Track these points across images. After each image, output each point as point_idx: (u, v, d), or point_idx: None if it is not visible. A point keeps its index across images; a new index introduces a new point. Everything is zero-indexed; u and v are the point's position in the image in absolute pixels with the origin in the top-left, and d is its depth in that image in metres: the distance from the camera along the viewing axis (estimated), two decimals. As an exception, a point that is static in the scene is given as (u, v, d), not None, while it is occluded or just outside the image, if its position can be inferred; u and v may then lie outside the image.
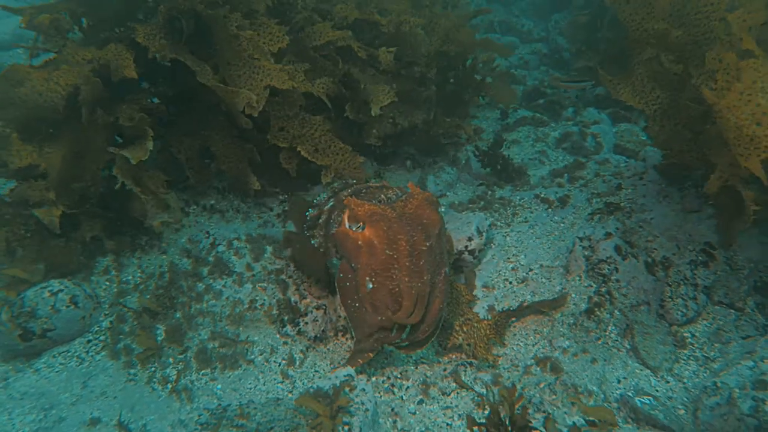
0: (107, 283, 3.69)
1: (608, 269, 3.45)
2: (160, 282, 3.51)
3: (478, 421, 2.18)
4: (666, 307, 3.21)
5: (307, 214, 3.36)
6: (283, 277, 3.38)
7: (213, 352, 3.04)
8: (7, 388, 2.90)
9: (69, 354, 3.13)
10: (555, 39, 7.43)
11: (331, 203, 3.22)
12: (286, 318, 3.15)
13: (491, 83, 5.28)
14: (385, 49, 4.12)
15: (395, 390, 2.91)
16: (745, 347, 2.88)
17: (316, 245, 3.11)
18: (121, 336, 3.19)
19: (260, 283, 3.34)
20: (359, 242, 2.74)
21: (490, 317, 3.25)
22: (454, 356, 3.12)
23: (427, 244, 2.79)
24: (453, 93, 5.05)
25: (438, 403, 2.85)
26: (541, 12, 8.00)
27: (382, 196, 3.15)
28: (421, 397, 2.88)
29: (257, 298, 3.29)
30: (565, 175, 4.57)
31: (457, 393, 2.89)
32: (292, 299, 3.24)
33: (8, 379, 2.96)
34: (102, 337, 3.24)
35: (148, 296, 3.38)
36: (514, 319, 3.29)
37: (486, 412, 2.71)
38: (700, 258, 3.43)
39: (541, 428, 2.22)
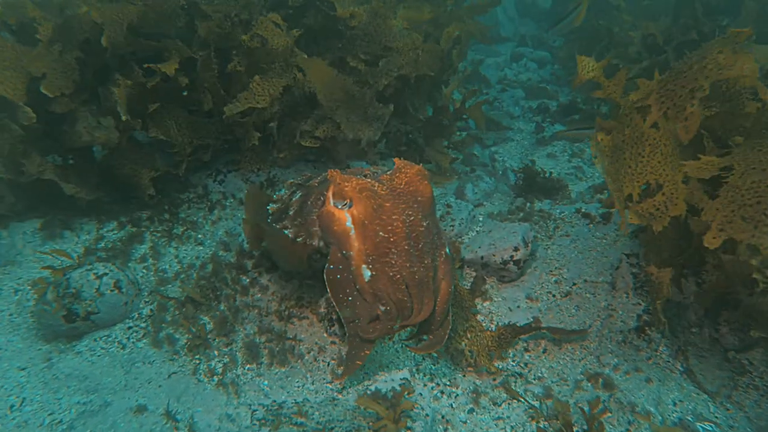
0: (144, 270, 3.64)
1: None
2: (203, 273, 3.45)
3: (544, 428, 2.11)
4: (721, 332, 3.15)
5: (268, 208, 3.08)
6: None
7: (259, 347, 2.98)
8: (51, 368, 2.83)
9: (110, 339, 3.07)
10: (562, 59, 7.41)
11: (299, 194, 2.95)
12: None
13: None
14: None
15: (445, 397, 2.85)
16: (807, 377, 2.82)
17: (291, 235, 2.75)
18: (163, 325, 3.12)
19: (307, 280, 3.28)
20: (347, 223, 2.44)
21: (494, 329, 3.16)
22: (498, 363, 3.06)
23: (425, 224, 2.52)
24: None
25: (490, 413, 2.78)
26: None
27: (366, 173, 2.83)
28: (471, 406, 2.81)
29: (304, 295, 3.23)
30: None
31: (508, 403, 2.82)
32: (340, 298, 3.17)
33: (51, 359, 2.89)
34: (143, 325, 3.18)
35: (190, 286, 3.31)
36: (521, 336, 3.19)
37: (541, 424, 2.65)
38: (750, 283, 3.37)
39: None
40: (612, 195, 2.96)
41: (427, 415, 2.39)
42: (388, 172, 2.63)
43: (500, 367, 3.06)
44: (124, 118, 3.45)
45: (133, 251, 3.76)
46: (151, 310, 3.26)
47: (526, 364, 3.13)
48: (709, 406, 2.81)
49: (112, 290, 3.06)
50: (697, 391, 2.90)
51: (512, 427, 2.71)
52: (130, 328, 3.15)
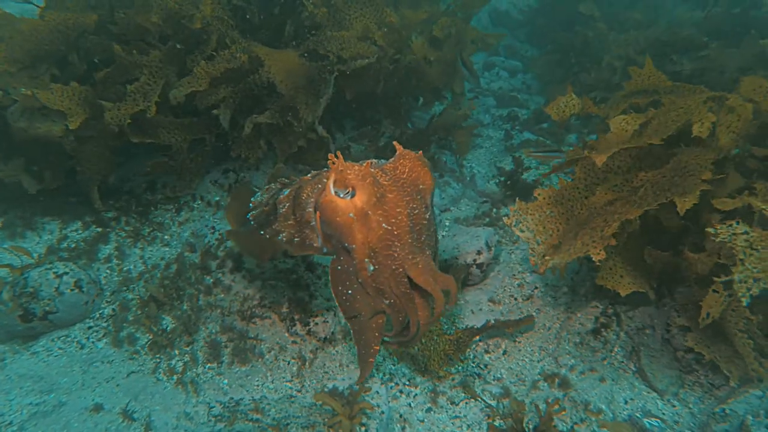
0: (108, 271, 3.62)
1: (614, 291, 3.49)
2: (167, 273, 3.45)
3: (497, 426, 2.17)
4: (672, 332, 3.25)
5: (248, 216, 2.88)
6: (294, 276, 3.35)
7: (221, 346, 2.98)
8: (4, 369, 2.80)
9: (69, 339, 3.04)
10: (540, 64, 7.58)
11: (285, 191, 2.71)
12: (296, 317, 3.11)
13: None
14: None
15: (403, 396, 2.89)
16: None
17: (285, 239, 2.49)
18: (124, 324, 3.11)
19: (270, 281, 3.30)
20: (350, 213, 2.26)
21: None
22: (460, 366, 3.12)
23: (427, 216, 2.39)
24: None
25: (447, 412, 2.83)
26: (544, 40, 8.17)
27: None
28: (429, 405, 2.86)
29: (267, 295, 3.25)
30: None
31: (466, 403, 2.88)
32: (303, 299, 3.20)
33: (5, 360, 2.86)
34: (104, 324, 3.16)
35: (154, 285, 3.31)
36: (478, 337, 3.25)
37: (496, 422, 2.71)
38: (703, 287, 3.49)
39: (563, 440, 2.22)
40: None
41: (382, 412, 2.43)
42: (390, 161, 2.48)
43: (460, 368, 3.11)
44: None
45: (97, 251, 3.74)
46: (113, 309, 3.24)
47: (485, 366, 3.19)
48: (657, 404, 2.90)
49: (72, 289, 3.04)
50: (648, 390, 2.99)
51: (468, 425, 2.76)
52: (90, 327, 3.13)
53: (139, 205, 4.16)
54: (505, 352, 3.28)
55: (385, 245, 2.25)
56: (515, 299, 3.65)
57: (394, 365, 3.07)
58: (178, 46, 3.77)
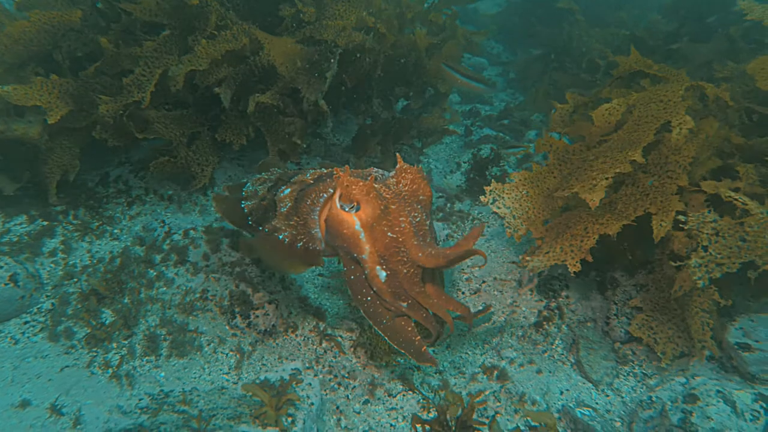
0: (52, 265, 3.57)
1: (559, 285, 3.55)
2: (110, 266, 3.41)
3: (423, 418, 2.19)
4: (611, 325, 3.31)
5: (242, 205, 2.94)
6: (238, 269, 3.34)
7: (159, 339, 2.97)
8: (-70, 364, 2.75)
9: (2, 334, 3.00)
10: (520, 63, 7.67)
11: (287, 189, 2.76)
12: (237, 310, 3.11)
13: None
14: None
15: (341, 389, 2.90)
16: (680, 365, 3.00)
17: (287, 240, 2.56)
18: (63, 318, 3.08)
19: (214, 274, 3.29)
20: (356, 227, 2.40)
21: None
22: (401, 358, 3.14)
23: (428, 222, 2.55)
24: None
25: (384, 404, 2.85)
26: (511, 37, 8.24)
27: (372, 172, 2.78)
28: (367, 397, 2.88)
29: (209, 288, 3.24)
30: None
31: (404, 395, 2.90)
32: (246, 291, 3.20)
33: (-69, 355, 2.82)
34: (41, 319, 3.12)
35: (97, 279, 3.27)
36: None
37: (431, 414, 2.74)
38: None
39: (486, 430, 2.25)
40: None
41: (312, 404, 2.44)
42: (391, 174, 2.62)
43: (401, 361, 3.13)
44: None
45: (42, 245, 3.69)
46: (53, 304, 3.21)
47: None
48: (592, 394, 2.96)
49: (6, 284, 3.00)
50: (584, 381, 3.04)
51: (404, 416, 2.79)
52: (26, 323, 3.09)
53: (89, 198, 4.11)
54: (448, 346, 3.31)
55: (393, 252, 2.38)
56: (463, 293, 3.68)
57: (335, 358, 3.08)
58: (173, 32, 3.75)
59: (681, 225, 2.89)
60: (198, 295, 3.20)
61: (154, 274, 3.30)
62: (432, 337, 2.46)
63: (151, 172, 4.00)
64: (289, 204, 2.65)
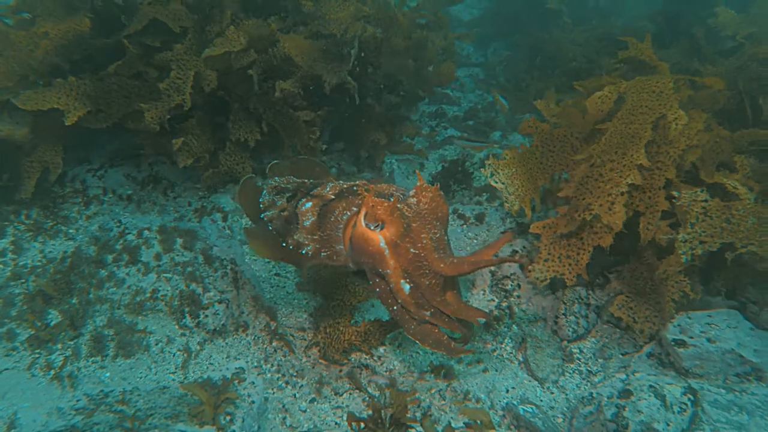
0: (1, 266, 3.53)
1: (511, 285, 3.61)
2: (60, 267, 3.38)
3: (358, 416, 2.22)
4: (559, 324, 3.38)
5: (262, 216, 3.04)
6: (190, 269, 3.34)
7: (106, 339, 2.95)
8: None
9: (-58, 337, 2.96)
10: (492, 65, 7.75)
11: (309, 203, 2.87)
12: (186, 309, 3.11)
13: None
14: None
15: (289, 387, 2.92)
16: (623, 362, 3.07)
17: (311, 253, 2.71)
18: (5, 320, 3.04)
19: (165, 274, 3.28)
20: (381, 244, 2.56)
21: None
22: (353, 357, 3.17)
23: (446, 238, 2.72)
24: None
25: (330, 402, 2.87)
26: (482, 39, 8.31)
27: (393, 192, 2.91)
28: (314, 395, 2.90)
29: (160, 288, 3.22)
30: (485, 194, 4.74)
31: (350, 393, 2.92)
32: (196, 291, 3.20)
33: None
34: (-16, 321, 3.08)
35: (45, 280, 3.25)
36: (389, 333, 3.30)
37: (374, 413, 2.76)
38: (597, 280, 3.63)
39: (419, 426, 2.29)
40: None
41: (253, 402, 2.45)
42: (411, 192, 2.77)
43: (352, 360, 3.16)
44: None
45: (-9, 246, 3.65)
46: (-3, 305, 3.17)
47: (379, 357, 3.25)
48: (537, 391, 3.01)
49: (-50, 283, 2.97)
50: (529, 379, 3.10)
51: (350, 414, 2.81)
52: (-30, 324, 3.05)
53: (44, 198, 4.07)
54: (400, 345, 3.34)
55: (416, 266, 2.55)
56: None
57: (284, 357, 3.10)
58: (195, 33, 3.82)
59: (673, 200, 3.05)
60: (148, 295, 3.19)
61: (105, 274, 3.28)
62: (461, 338, 2.67)
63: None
64: (312, 218, 2.78)
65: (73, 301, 3.15)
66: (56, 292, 3.16)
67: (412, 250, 2.55)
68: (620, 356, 3.18)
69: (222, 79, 3.95)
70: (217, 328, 3.11)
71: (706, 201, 2.95)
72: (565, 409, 2.91)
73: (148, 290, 3.21)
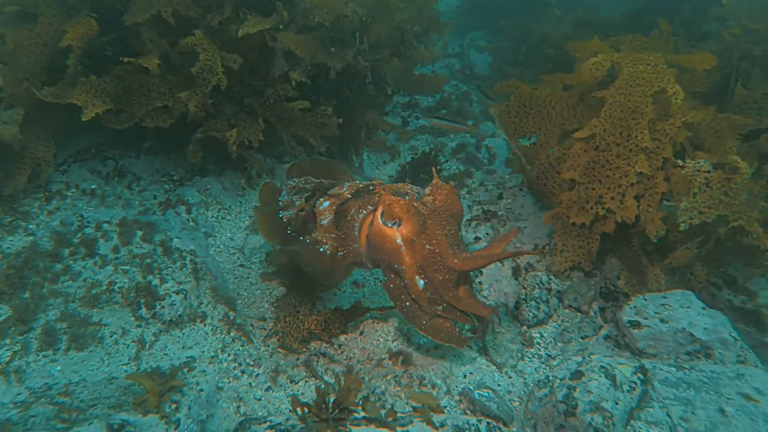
0: (-46, 262, 3.48)
1: (473, 272, 3.60)
2: (15, 262, 3.34)
3: (301, 401, 2.21)
4: (520, 309, 3.38)
5: (280, 215, 3.10)
6: (148, 261, 3.31)
7: (59, 333, 2.92)
8: None
9: None
10: (468, 55, 7.74)
11: (326, 202, 2.95)
12: (142, 301, 3.08)
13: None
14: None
15: (245, 376, 2.90)
16: (581, 345, 3.08)
17: (329, 251, 2.82)
18: (-45, 316, 3.00)
19: (123, 266, 3.25)
20: (398, 240, 2.64)
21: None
22: (312, 345, 3.15)
23: (460, 234, 2.80)
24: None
25: (285, 390, 2.86)
26: (458, 29, 8.31)
27: (408, 191, 2.96)
28: (269, 384, 2.88)
29: (117, 280, 3.19)
30: (454, 183, 4.73)
31: (306, 381, 2.91)
32: (153, 282, 3.17)
33: None
34: (-69, 318, 3.03)
35: (-2, 275, 3.20)
36: (350, 321, 3.29)
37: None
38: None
39: (360, 410, 2.28)
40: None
41: (201, 389, 2.43)
42: (427, 190, 2.82)
43: (311, 348, 3.15)
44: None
45: (-56, 242, 3.59)
46: (-52, 301, 3.12)
47: (339, 346, 3.23)
48: (495, 376, 3.01)
49: None
50: (488, 364, 3.09)
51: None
52: None
53: (2, 193, 4.01)
54: (362, 333, 3.33)
55: (431, 262, 2.61)
56: (380, 281, 3.71)
57: (242, 347, 3.08)
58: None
59: (679, 167, 3.10)
60: (104, 288, 3.16)
61: (61, 267, 3.24)
62: (473, 330, 2.79)
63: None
64: (330, 217, 2.86)
65: (26, 295, 3.10)
66: (8, 287, 3.12)
67: (427, 246, 2.60)
68: (580, 340, 3.19)
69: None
70: (174, 319, 3.08)
71: (708, 172, 3.00)
72: (522, 392, 2.91)
73: (104, 283, 3.18)
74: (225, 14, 3.87)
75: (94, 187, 4.30)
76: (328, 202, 2.93)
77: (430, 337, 2.68)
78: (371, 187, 2.93)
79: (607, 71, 3.51)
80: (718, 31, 5.05)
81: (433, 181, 2.85)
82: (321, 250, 2.81)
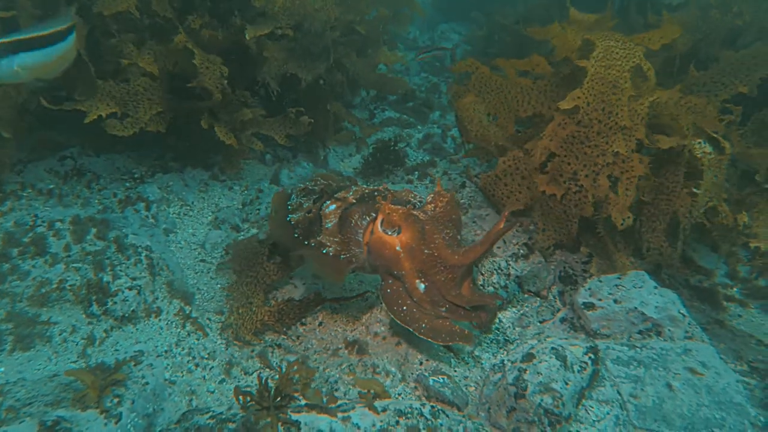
0: None
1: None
2: (-40, 262, 3.27)
3: (243, 390, 2.17)
4: (478, 295, 3.36)
5: (288, 218, 3.12)
6: (100, 258, 3.25)
7: (4, 333, 2.86)
8: None
9: None
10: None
11: (333, 206, 3.00)
12: (94, 298, 3.03)
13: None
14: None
15: (199, 369, 2.86)
16: (539, 329, 3.07)
17: (331, 253, 2.85)
18: None
19: (74, 264, 3.19)
20: (397, 248, 2.73)
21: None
22: (269, 337, 3.12)
23: (458, 237, 2.88)
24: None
25: (238, 382, 2.82)
26: (429, 22, 8.30)
27: (410, 198, 3.05)
28: (223, 376, 2.84)
29: (68, 278, 3.13)
30: (416, 172, 4.73)
31: (259, 372, 2.88)
32: (104, 279, 3.12)
33: None
34: None
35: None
36: (306, 312, 3.28)
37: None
38: (521, 251, 3.63)
39: (300, 396, 2.25)
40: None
41: (146, 383, 2.39)
42: (429, 198, 2.94)
43: (267, 340, 3.11)
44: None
45: None
46: None
47: (297, 337, 3.21)
48: (451, 362, 3.00)
49: None
50: (444, 351, 3.08)
51: (258, 394, 2.76)
52: None
53: (-45, 195, 3.93)
54: (321, 324, 3.30)
55: (430, 265, 2.70)
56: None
57: (197, 340, 3.04)
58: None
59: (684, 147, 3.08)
60: (54, 286, 3.10)
61: (8, 267, 3.17)
62: (479, 325, 2.77)
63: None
64: (335, 221, 2.93)
65: (-28, 295, 3.04)
66: (-47, 288, 3.05)
67: (425, 251, 2.70)
68: (538, 324, 3.19)
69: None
70: (127, 315, 3.03)
71: (710, 153, 3.01)
72: (478, 378, 2.90)
73: (54, 281, 3.12)
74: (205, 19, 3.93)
75: (51, 186, 4.23)
76: (334, 206, 3.01)
77: (431, 340, 2.68)
78: (376, 193, 3.04)
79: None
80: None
81: (436, 189, 2.97)
82: (324, 251, 2.86)
